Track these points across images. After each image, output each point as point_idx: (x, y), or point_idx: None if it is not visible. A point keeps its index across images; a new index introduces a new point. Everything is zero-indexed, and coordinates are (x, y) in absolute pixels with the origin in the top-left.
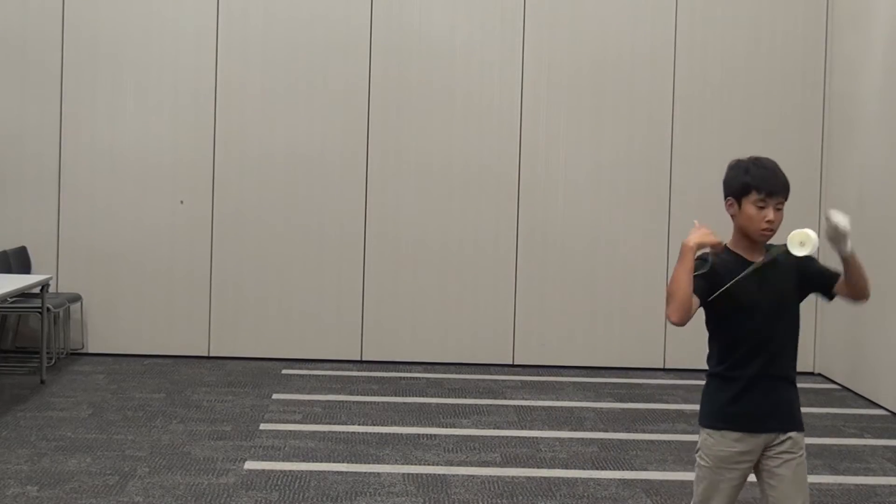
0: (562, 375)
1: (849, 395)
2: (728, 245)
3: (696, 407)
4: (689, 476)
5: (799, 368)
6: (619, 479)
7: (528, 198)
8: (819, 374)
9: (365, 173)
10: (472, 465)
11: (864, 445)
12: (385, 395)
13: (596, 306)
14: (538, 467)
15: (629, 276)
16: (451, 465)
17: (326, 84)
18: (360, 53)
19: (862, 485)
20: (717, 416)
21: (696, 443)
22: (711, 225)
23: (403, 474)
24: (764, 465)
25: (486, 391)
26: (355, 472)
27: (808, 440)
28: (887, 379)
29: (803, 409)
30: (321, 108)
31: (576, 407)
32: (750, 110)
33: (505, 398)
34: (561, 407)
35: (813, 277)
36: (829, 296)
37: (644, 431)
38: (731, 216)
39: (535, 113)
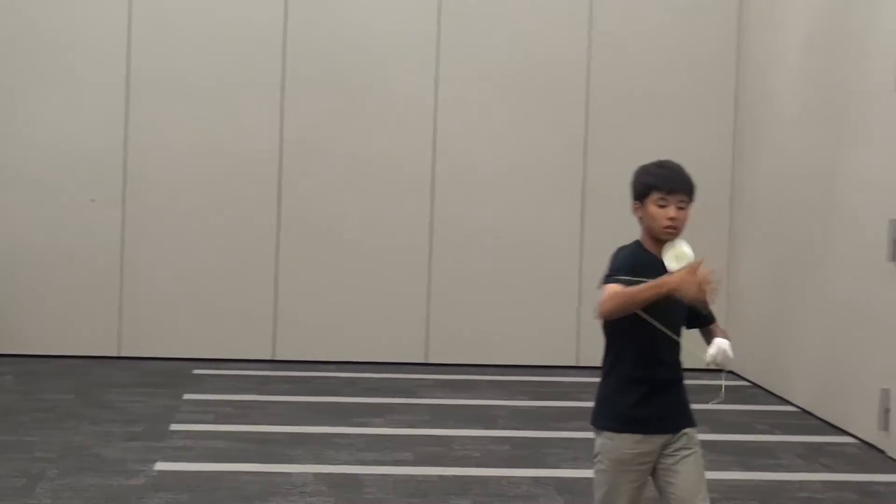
0: (476, 374)
1: (760, 393)
2: (643, 245)
3: None
4: None
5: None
6: (532, 478)
7: (442, 194)
8: (730, 372)
9: (279, 168)
10: (385, 465)
11: (775, 441)
12: (298, 395)
13: (510, 304)
14: (451, 466)
15: (544, 274)
16: (364, 464)
17: (240, 78)
18: (275, 47)
19: (773, 480)
20: (619, 419)
21: None
22: (625, 225)
23: (315, 474)
24: (662, 464)
25: (399, 390)
26: (267, 473)
27: (721, 437)
28: (798, 376)
29: (716, 407)
30: (235, 103)
31: (489, 405)
32: (662, 109)
33: (419, 397)
34: (475, 405)
35: (692, 310)
36: (689, 327)
37: (557, 429)
38: (639, 219)
39: (451, 109)
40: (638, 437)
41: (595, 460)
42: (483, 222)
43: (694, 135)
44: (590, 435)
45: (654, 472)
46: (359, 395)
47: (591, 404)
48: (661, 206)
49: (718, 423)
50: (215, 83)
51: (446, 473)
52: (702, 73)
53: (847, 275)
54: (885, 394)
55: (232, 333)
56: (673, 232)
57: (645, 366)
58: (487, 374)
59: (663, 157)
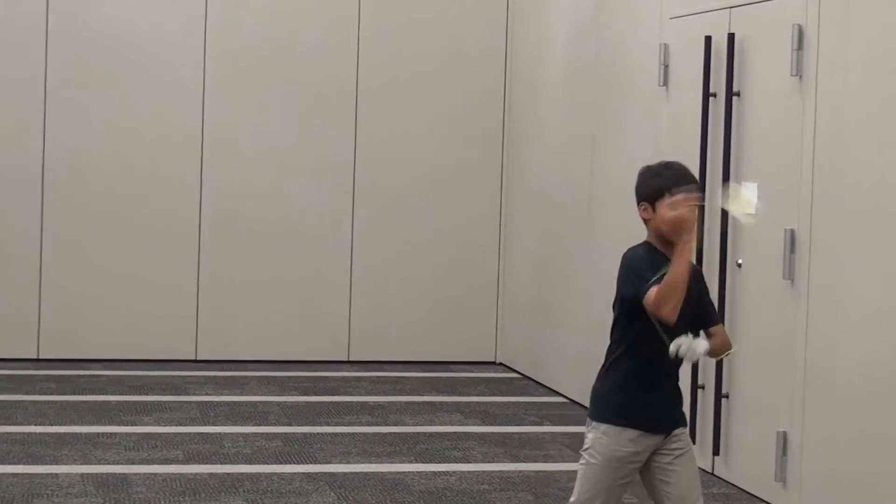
0: (246, 370)
1: (530, 384)
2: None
3: (381, 399)
4: (372, 468)
5: (482, 358)
6: (304, 473)
7: (211, 185)
8: (501, 364)
9: (41, 169)
10: (153, 463)
11: (544, 432)
12: (63, 394)
13: (281, 299)
14: (222, 463)
15: (314, 269)
16: (133, 463)
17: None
18: (38, 36)
19: (542, 471)
20: (620, 413)
21: (378, 434)
22: (394, 217)
23: (82, 474)
24: (656, 463)
25: (168, 387)
26: (32, 474)
27: (491, 429)
28: (566, 367)
29: (486, 399)
30: None
31: (260, 401)
32: (434, 100)
33: (188, 394)
34: (245, 402)
35: (698, 311)
36: (696, 332)
37: (328, 424)
38: (645, 220)
39: (218, 101)
40: (636, 433)
41: (585, 453)
42: (254, 215)
43: (465, 126)
44: (361, 429)
45: (645, 470)
46: (126, 394)
47: (361, 399)
48: (678, 200)
49: (488, 415)
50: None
51: (217, 471)
52: (472, 65)
53: (610, 266)
54: None
55: None
56: (686, 233)
57: (651, 367)
58: (258, 371)
59: (434, 147)
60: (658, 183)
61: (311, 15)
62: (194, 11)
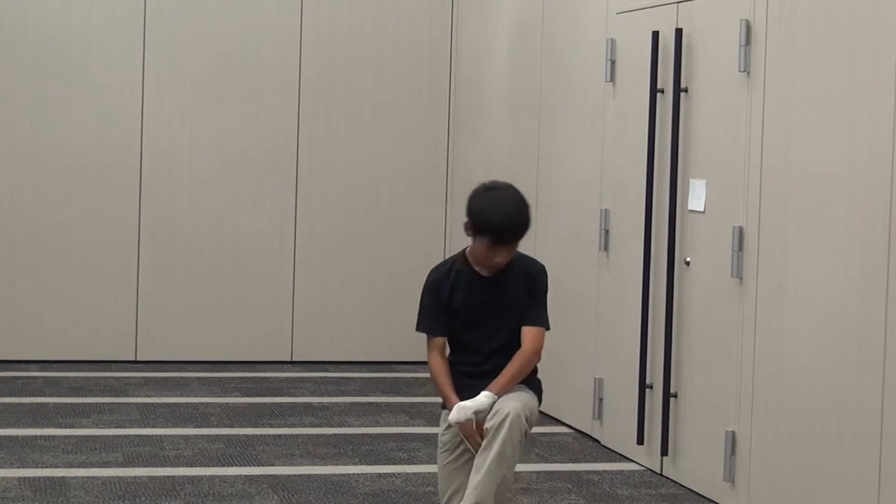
0: (187, 371)
1: None
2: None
3: (324, 399)
4: (316, 470)
5: (427, 358)
6: (246, 476)
7: (150, 188)
8: None
9: None
10: (92, 466)
11: None
12: None
13: (222, 299)
14: (162, 466)
15: (256, 268)
16: (70, 466)
17: None
18: None
19: None
20: None
21: (322, 436)
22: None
23: (19, 478)
24: None
25: (107, 389)
26: None
27: (436, 430)
28: None
29: (432, 400)
30: None
31: (201, 403)
32: (378, 99)
33: (127, 395)
34: (186, 403)
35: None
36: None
37: (271, 426)
38: (468, 235)
39: (158, 104)
40: None
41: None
42: (193, 219)
43: (409, 126)
44: (304, 430)
45: None
46: (64, 395)
47: (304, 400)
48: (490, 250)
49: (434, 416)
50: None
51: (157, 474)
52: (416, 64)
53: (557, 265)
54: (599, 383)
55: None
56: (500, 268)
57: None
58: (198, 371)
59: (378, 147)
60: (480, 223)
61: (252, 15)
62: (133, 12)
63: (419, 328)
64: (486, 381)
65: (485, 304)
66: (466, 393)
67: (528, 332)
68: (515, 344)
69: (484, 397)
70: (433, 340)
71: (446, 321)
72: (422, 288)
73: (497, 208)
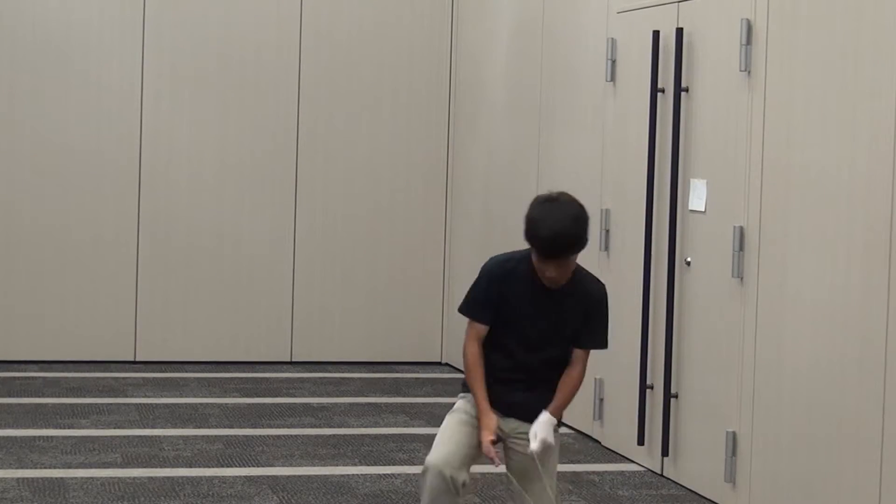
0: (186, 371)
1: None
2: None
3: (324, 400)
4: (316, 471)
5: (427, 358)
6: (245, 476)
7: (149, 188)
8: (446, 364)
9: None
10: (91, 467)
11: None
12: None
13: (222, 299)
14: (161, 467)
15: (256, 268)
16: (69, 467)
17: None
18: None
19: (487, 472)
20: None
21: (322, 437)
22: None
23: (18, 479)
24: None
25: (106, 389)
26: None
27: (436, 431)
28: None
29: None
30: None
31: (200, 403)
32: (378, 99)
33: (126, 396)
34: (185, 404)
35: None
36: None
37: (270, 427)
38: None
39: (157, 104)
40: None
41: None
42: (193, 219)
43: (409, 125)
44: (303, 431)
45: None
46: (63, 396)
47: (304, 400)
48: (540, 262)
49: (434, 416)
50: None
51: (156, 475)
52: (417, 63)
53: None
54: (599, 383)
55: None
56: (556, 283)
57: None
58: (198, 372)
59: (378, 146)
60: (529, 236)
61: (252, 15)
62: (132, 12)
63: (464, 310)
64: (512, 390)
65: (541, 315)
66: (489, 396)
67: (580, 355)
68: (557, 363)
69: (549, 423)
70: (475, 327)
71: (493, 314)
72: (479, 271)
73: (545, 221)
